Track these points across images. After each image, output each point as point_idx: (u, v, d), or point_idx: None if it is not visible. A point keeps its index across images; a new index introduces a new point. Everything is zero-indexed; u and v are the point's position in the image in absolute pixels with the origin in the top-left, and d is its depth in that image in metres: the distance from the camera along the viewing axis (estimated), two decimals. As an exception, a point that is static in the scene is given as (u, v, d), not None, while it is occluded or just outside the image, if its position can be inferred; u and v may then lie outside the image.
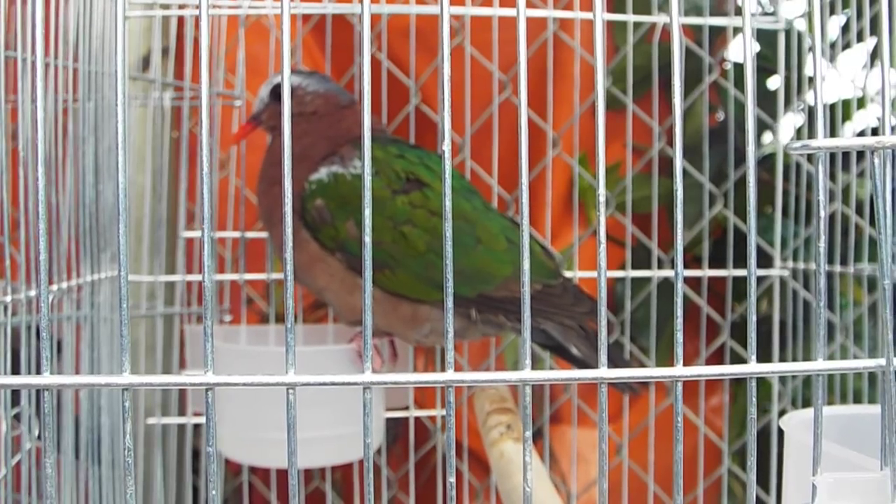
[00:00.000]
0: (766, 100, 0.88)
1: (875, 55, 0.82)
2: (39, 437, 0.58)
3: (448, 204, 0.32)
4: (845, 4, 0.81)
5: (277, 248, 0.74)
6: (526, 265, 0.32)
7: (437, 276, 0.67)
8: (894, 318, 0.32)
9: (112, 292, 0.69)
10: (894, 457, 0.32)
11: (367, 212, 0.31)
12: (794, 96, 0.85)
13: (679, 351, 0.32)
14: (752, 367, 0.33)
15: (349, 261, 0.68)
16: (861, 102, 0.84)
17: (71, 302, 0.64)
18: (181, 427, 0.81)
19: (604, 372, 0.32)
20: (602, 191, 0.32)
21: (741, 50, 0.91)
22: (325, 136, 0.71)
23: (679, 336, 0.32)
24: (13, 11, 0.55)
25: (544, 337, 0.72)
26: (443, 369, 0.33)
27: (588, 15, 0.81)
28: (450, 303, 0.32)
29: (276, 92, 0.72)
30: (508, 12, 0.78)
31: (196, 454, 0.84)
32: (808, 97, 0.87)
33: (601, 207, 0.32)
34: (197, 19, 0.80)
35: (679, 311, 0.32)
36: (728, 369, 0.34)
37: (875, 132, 0.81)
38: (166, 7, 0.80)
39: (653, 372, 0.33)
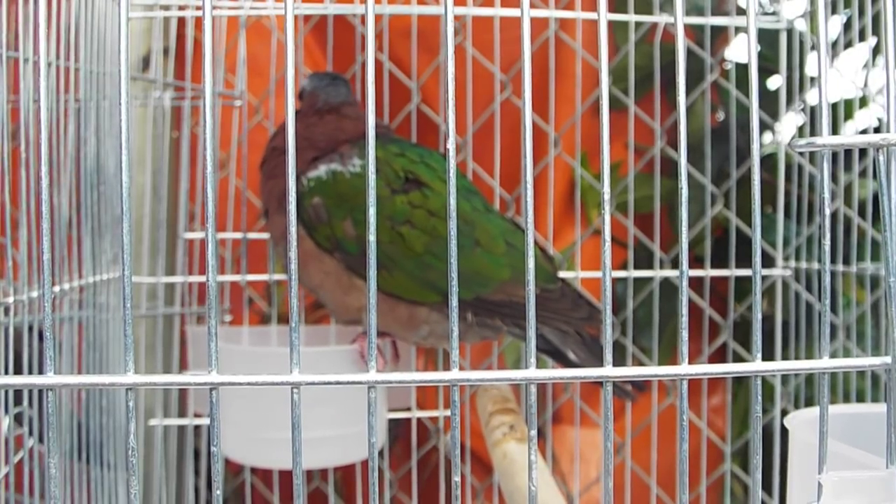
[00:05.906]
0: (767, 100, 0.88)
1: (876, 54, 0.82)
2: (41, 438, 0.58)
3: (452, 204, 0.32)
4: (846, 3, 0.81)
5: (273, 239, 0.74)
6: (531, 264, 0.32)
7: (434, 277, 0.66)
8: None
9: (113, 293, 0.69)
10: (900, 455, 0.32)
11: (372, 211, 0.31)
12: (795, 96, 0.85)
13: (684, 349, 0.32)
14: (757, 366, 0.33)
15: (346, 260, 0.67)
16: (862, 101, 0.84)
17: (72, 303, 0.64)
18: (181, 428, 0.81)
19: (608, 370, 0.32)
20: (606, 189, 0.32)
21: (742, 50, 0.91)
22: (302, 137, 0.70)
23: (684, 334, 0.32)
24: (14, 11, 0.55)
25: (542, 342, 0.71)
26: (444, 369, 0.32)
27: (589, 15, 0.81)
28: (454, 302, 0.32)
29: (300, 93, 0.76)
30: (510, 13, 0.78)
31: (196, 455, 0.84)
32: (809, 97, 0.87)
33: (605, 206, 0.32)
34: (198, 20, 0.80)
35: (684, 310, 0.32)
36: (733, 367, 0.33)
37: (877, 131, 0.81)
38: (167, 8, 0.80)
39: (657, 370, 0.33)
